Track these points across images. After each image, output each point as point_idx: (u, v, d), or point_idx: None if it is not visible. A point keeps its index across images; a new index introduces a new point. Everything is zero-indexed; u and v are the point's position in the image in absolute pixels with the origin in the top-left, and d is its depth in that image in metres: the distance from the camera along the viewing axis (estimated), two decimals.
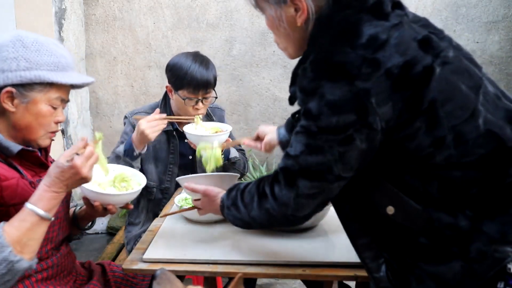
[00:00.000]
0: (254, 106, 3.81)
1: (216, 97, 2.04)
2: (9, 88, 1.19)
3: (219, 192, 1.31)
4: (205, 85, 1.93)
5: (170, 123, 2.07)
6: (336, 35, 1.01)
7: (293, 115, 1.14)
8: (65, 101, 1.30)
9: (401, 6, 1.08)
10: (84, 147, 1.18)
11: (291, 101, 1.13)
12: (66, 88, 1.29)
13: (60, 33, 3.31)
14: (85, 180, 1.18)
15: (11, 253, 1.06)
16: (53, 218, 1.16)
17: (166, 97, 2.12)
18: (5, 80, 1.19)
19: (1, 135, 1.23)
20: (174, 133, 2.07)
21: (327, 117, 0.97)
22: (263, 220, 1.16)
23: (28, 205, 1.13)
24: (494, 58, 3.64)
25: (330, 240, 1.45)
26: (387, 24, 1.00)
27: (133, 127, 2.03)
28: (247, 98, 3.79)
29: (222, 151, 1.78)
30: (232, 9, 3.65)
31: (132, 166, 1.89)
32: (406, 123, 0.97)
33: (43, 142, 1.31)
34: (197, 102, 1.96)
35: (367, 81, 0.94)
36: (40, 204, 1.13)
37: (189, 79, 1.90)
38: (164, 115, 1.86)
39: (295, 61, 1.17)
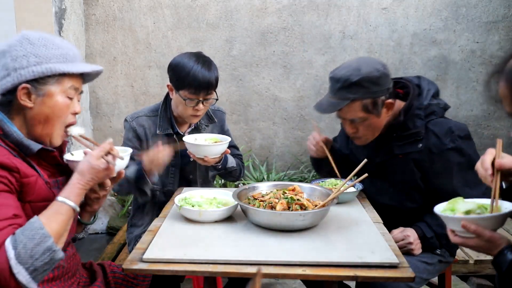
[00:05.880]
0: (254, 106, 3.81)
1: (216, 99, 2.04)
2: (24, 85, 1.23)
3: (500, 239, 1.17)
4: (206, 87, 1.92)
5: (170, 126, 2.08)
6: None
7: None
8: (79, 90, 1.34)
9: None
10: (111, 149, 1.29)
11: None
12: (78, 78, 1.32)
13: (60, 33, 3.31)
14: (110, 174, 1.30)
15: (53, 243, 1.12)
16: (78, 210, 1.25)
17: (166, 100, 2.11)
18: (19, 77, 1.23)
19: (21, 134, 1.26)
20: (175, 136, 2.07)
21: None
22: None
23: (61, 199, 1.21)
24: (494, 58, 3.64)
25: (330, 240, 1.45)
26: None
27: (134, 131, 2.04)
28: (247, 98, 3.79)
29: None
30: (232, 9, 3.65)
31: (144, 192, 1.94)
32: None
33: (57, 140, 1.33)
34: (197, 104, 1.95)
35: None
36: (72, 198, 1.22)
37: (191, 79, 1.89)
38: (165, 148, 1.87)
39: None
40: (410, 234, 1.70)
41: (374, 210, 1.77)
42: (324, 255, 1.34)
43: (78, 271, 1.46)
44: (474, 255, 2.78)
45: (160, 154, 1.84)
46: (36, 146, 1.27)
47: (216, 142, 1.96)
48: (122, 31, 3.72)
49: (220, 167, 2.04)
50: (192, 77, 1.89)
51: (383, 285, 1.58)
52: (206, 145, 1.90)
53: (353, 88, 1.65)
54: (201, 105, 1.96)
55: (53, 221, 1.16)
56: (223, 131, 2.23)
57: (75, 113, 1.34)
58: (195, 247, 1.39)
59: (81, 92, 1.36)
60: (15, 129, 1.25)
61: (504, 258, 1.13)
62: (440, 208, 1.27)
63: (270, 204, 1.57)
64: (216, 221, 1.60)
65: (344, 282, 2.06)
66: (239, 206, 1.62)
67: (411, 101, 1.75)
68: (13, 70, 1.22)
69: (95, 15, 3.71)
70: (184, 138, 1.94)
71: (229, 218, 1.63)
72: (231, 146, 2.26)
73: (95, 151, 1.27)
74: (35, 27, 3.13)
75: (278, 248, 1.37)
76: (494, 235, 1.17)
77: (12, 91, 1.24)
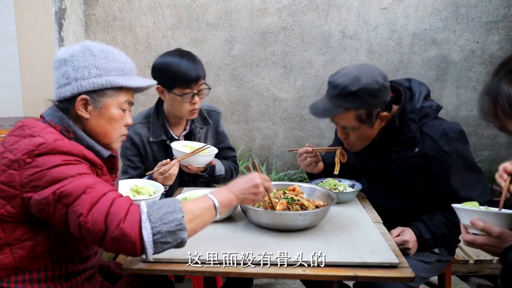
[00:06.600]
0: (254, 106, 3.81)
1: (209, 88, 2.06)
2: (83, 96, 1.26)
3: (510, 235, 1.19)
4: (197, 78, 1.97)
5: (164, 132, 2.09)
6: None
7: None
8: (131, 103, 1.37)
9: None
10: (270, 189, 1.42)
11: None
12: (132, 91, 1.36)
13: (60, 33, 3.31)
14: (257, 200, 1.39)
15: (183, 218, 1.15)
16: (218, 217, 1.29)
17: (158, 105, 2.14)
18: (79, 88, 1.25)
19: (92, 140, 1.29)
20: (168, 142, 2.10)
21: None
22: None
23: (207, 194, 1.28)
24: (494, 58, 3.64)
25: (330, 240, 1.45)
26: None
27: (131, 140, 2.07)
28: (247, 98, 3.79)
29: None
30: (232, 9, 3.65)
31: None
32: None
33: (116, 145, 1.38)
34: (193, 97, 1.99)
35: None
36: (216, 195, 1.28)
37: (182, 75, 1.94)
38: (175, 161, 1.88)
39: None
40: (409, 240, 1.70)
41: (374, 210, 1.77)
42: (324, 255, 1.34)
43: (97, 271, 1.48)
44: (474, 255, 2.78)
45: (170, 169, 1.86)
46: (106, 152, 1.32)
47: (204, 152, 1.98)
48: (122, 31, 3.72)
49: (206, 175, 2.07)
50: (182, 72, 1.94)
51: (381, 283, 1.58)
52: (190, 154, 1.93)
53: (349, 97, 1.63)
54: (196, 98, 2.00)
55: (191, 204, 1.23)
56: (217, 133, 2.24)
57: (127, 125, 1.38)
58: (195, 247, 1.39)
59: (133, 104, 1.39)
60: (84, 135, 1.29)
61: (510, 254, 1.15)
62: (456, 207, 1.30)
63: (270, 204, 1.57)
64: (216, 221, 1.60)
65: (344, 282, 2.06)
66: (239, 206, 1.62)
67: (404, 105, 1.74)
68: (73, 79, 1.25)
69: (95, 15, 3.71)
70: (172, 144, 1.98)
71: (229, 218, 1.63)
72: (226, 148, 2.27)
73: (264, 175, 1.38)
74: (35, 27, 3.13)
75: (278, 248, 1.37)
76: (505, 231, 1.18)
77: (69, 100, 1.27)
